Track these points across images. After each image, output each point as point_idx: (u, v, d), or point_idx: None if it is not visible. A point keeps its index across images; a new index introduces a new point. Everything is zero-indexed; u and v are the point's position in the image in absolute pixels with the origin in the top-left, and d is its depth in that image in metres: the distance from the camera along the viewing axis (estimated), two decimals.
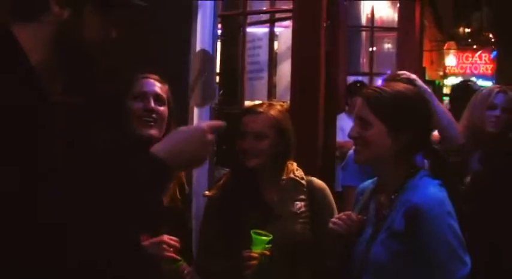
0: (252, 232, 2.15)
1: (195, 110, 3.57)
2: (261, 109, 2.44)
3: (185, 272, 2.23)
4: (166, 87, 2.41)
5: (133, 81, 2.38)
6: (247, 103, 4.03)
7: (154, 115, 2.29)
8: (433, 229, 1.77)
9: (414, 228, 1.79)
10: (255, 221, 2.30)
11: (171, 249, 2.14)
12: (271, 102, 2.61)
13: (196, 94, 3.56)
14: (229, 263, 2.25)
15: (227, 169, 2.89)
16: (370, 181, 2.15)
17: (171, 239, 2.15)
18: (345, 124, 4.30)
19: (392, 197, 1.92)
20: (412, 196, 1.84)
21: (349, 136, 2.01)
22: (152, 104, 2.29)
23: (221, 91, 4.78)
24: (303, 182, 2.46)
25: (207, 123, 1.52)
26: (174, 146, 1.40)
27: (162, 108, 2.34)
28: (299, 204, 2.42)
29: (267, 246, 2.16)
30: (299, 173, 2.48)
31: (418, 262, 1.80)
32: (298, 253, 2.32)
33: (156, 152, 1.37)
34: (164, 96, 2.37)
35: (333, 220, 2.04)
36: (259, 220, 2.32)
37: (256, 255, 2.14)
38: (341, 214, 2.05)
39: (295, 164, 2.50)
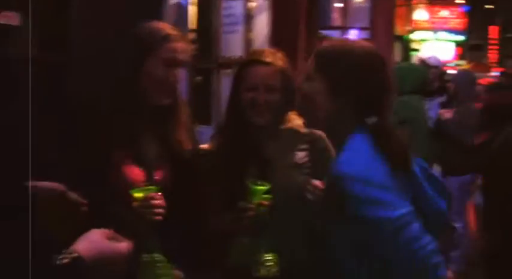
0: (249, 182, 2.06)
1: None
2: (269, 60, 2.24)
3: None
4: None
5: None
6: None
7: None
8: (351, 196, 1.66)
9: (338, 195, 1.70)
10: (255, 175, 2.18)
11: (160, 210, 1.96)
12: (273, 50, 2.34)
13: None
14: (226, 216, 2.14)
15: (203, 126, 2.77)
16: None
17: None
18: None
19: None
20: (336, 161, 1.73)
21: None
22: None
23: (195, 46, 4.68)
24: (303, 131, 2.30)
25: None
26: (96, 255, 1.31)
27: None
28: (300, 154, 2.31)
29: (265, 196, 2.09)
30: (298, 122, 2.29)
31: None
32: (301, 205, 2.21)
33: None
34: None
35: (309, 187, 2.01)
36: (259, 174, 2.20)
37: (253, 205, 2.07)
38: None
39: (294, 112, 2.30)
